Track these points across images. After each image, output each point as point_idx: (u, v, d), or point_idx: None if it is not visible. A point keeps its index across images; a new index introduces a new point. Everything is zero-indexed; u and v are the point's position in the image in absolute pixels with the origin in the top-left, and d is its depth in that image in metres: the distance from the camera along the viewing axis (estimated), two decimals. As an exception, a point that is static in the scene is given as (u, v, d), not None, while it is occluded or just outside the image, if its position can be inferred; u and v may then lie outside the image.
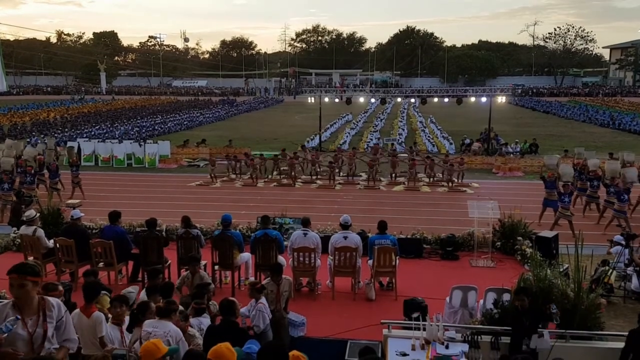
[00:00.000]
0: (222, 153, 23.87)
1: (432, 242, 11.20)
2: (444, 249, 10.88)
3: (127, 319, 5.77)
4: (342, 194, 18.20)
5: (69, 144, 25.46)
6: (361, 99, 50.92)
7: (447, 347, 6.15)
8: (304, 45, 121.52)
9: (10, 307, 3.96)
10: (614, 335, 6.82)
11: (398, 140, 29.76)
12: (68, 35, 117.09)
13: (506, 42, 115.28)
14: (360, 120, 43.05)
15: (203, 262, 8.72)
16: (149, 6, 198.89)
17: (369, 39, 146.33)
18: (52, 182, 17.12)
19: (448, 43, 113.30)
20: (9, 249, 11.26)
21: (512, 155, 25.53)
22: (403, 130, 35.79)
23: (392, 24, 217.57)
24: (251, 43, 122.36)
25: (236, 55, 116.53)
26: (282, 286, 7.23)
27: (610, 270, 9.01)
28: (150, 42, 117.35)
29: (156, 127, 37.06)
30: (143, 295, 6.49)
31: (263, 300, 6.64)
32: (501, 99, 32.83)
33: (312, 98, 35.57)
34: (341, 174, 20.87)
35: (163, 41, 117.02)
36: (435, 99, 53.51)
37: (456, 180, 19.18)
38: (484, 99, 31.76)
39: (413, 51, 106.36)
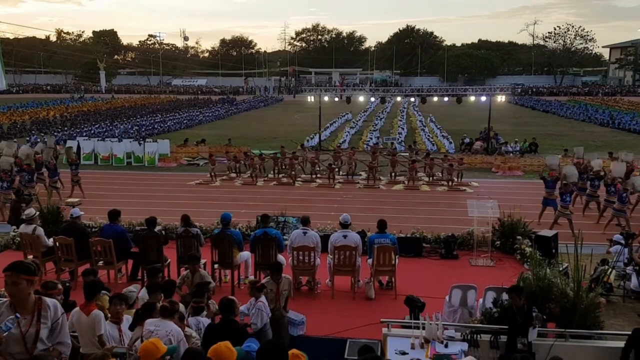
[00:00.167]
0: (222, 151, 23.87)
1: (432, 241, 11.22)
2: (446, 247, 10.88)
3: (125, 317, 5.77)
4: (341, 193, 18.19)
5: (69, 142, 25.46)
6: (361, 98, 50.95)
7: (446, 346, 6.15)
8: (303, 44, 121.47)
9: (6, 307, 3.95)
10: (614, 334, 6.83)
11: (398, 139, 29.76)
12: (68, 33, 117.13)
13: (506, 41, 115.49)
14: (359, 120, 43.03)
15: (203, 261, 8.71)
16: (149, 5, 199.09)
17: (368, 38, 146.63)
18: (51, 180, 17.11)
19: (448, 42, 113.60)
20: (9, 247, 11.27)
21: (511, 154, 25.53)
22: (403, 129, 35.78)
23: (392, 23, 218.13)
24: (251, 42, 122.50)
25: (236, 54, 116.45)
26: (282, 285, 7.24)
27: (610, 270, 9.02)
28: (150, 40, 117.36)
29: (156, 126, 37.03)
30: (143, 294, 6.48)
31: (263, 299, 6.64)
32: (501, 98, 32.87)
33: (312, 97, 35.59)
34: (341, 173, 20.87)
35: (163, 40, 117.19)
36: (435, 98, 53.56)
37: (456, 180, 19.18)
38: (483, 98, 31.78)
39: (413, 50, 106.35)
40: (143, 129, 34.76)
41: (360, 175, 20.54)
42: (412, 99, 57.74)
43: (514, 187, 18.85)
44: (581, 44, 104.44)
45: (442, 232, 11.46)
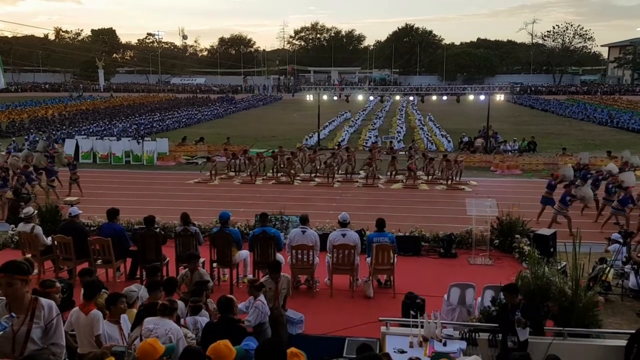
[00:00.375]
0: (221, 150, 23.85)
1: (431, 240, 11.23)
2: (445, 246, 10.88)
3: (122, 316, 5.75)
4: (340, 191, 18.19)
5: (67, 141, 25.45)
6: (360, 97, 51.01)
7: (444, 344, 6.15)
8: (302, 43, 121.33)
9: (2, 306, 3.94)
10: (612, 332, 6.85)
11: (397, 138, 29.76)
12: (66, 32, 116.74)
13: (505, 40, 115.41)
14: (358, 118, 43.02)
15: (201, 260, 8.71)
16: (148, 3, 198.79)
17: (367, 36, 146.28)
18: (48, 180, 17.08)
19: (447, 41, 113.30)
20: (7, 246, 11.27)
21: (510, 153, 25.56)
22: (401, 128, 35.78)
23: (390, 22, 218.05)
24: (250, 40, 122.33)
25: (235, 53, 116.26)
26: (281, 284, 7.24)
27: (608, 268, 9.03)
28: (149, 39, 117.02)
29: (154, 125, 37.00)
30: (143, 293, 6.48)
31: (261, 297, 6.64)
32: (499, 97, 32.92)
33: (311, 96, 35.52)
34: (340, 171, 20.86)
35: (161, 38, 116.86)
36: (434, 97, 53.74)
37: (454, 178, 19.18)
38: (482, 97, 31.82)
39: (412, 49, 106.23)
40: (142, 128, 34.72)
41: (359, 174, 20.54)
42: (411, 98, 57.83)
43: (513, 186, 18.86)
44: (580, 42, 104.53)
45: (440, 231, 11.47)
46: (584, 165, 16.53)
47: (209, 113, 48.17)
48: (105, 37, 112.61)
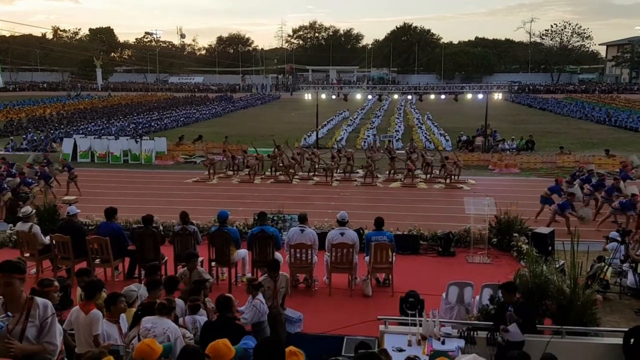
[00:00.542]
0: (220, 149, 23.83)
1: (429, 239, 11.23)
2: (443, 245, 10.88)
3: (121, 316, 5.75)
4: (339, 190, 18.19)
5: (65, 140, 25.41)
6: (358, 96, 50.81)
7: (443, 342, 6.16)
8: (300, 42, 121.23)
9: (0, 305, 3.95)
10: (610, 330, 6.86)
11: (395, 137, 29.76)
12: (64, 31, 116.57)
13: (503, 39, 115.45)
14: (357, 117, 43.03)
15: (200, 259, 8.71)
16: (146, 2, 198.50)
17: (366, 35, 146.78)
18: (46, 183, 16.99)
19: (445, 40, 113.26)
20: (5, 245, 11.26)
21: (508, 151, 25.59)
22: (400, 127, 35.77)
23: (389, 21, 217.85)
24: (248, 39, 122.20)
25: (233, 52, 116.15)
26: (279, 282, 7.24)
27: (606, 267, 9.04)
28: (147, 38, 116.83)
29: (152, 124, 36.96)
30: (143, 292, 6.47)
31: (260, 296, 6.64)
32: (497, 96, 32.75)
33: (309, 95, 35.35)
34: (338, 170, 20.85)
35: (159, 37, 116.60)
36: (432, 96, 53.58)
37: (453, 177, 19.18)
38: (480, 96, 31.70)
39: (410, 48, 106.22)
40: (140, 127, 34.68)
41: (358, 172, 20.54)
42: (409, 97, 57.76)
43: (511, 185, 18.87)
44: (578, 41, 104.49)
45: (439, 230, 11.49)
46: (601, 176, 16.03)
47: (207, 112, 48.15)
48: (103, 36, 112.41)
